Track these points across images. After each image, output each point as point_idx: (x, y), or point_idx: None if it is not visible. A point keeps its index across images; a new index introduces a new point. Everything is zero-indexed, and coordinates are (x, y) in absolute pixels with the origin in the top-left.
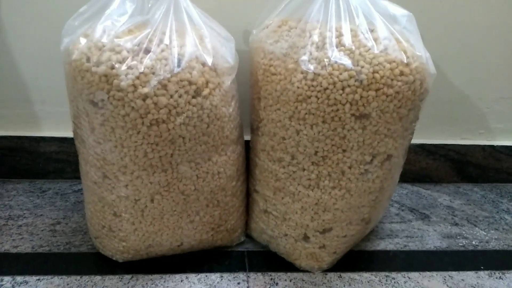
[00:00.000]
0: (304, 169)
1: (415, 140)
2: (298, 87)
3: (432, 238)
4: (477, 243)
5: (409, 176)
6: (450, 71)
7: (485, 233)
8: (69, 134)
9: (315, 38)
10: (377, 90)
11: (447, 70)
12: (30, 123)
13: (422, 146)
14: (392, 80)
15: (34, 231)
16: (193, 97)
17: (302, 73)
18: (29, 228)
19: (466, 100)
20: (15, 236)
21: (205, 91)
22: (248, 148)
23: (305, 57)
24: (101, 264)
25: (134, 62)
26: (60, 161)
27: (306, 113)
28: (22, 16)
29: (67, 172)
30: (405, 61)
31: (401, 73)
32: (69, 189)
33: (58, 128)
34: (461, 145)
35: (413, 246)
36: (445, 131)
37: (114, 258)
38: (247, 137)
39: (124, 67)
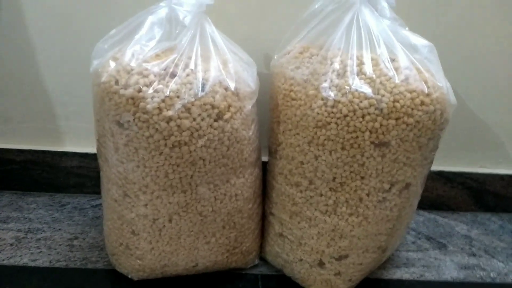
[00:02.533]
0: (321, 195)
1: (433, 167)
2: (318, 113)
3: (449, 269)
4: (495, 275)
5: (426, 203)
6: (469, 98)
7: (504, 265)
8: (90, 150)
9: (336, 65)
10: (397, 119)
11: (466, 97)
12: (53, 137)
13: (440, 173)
14: (412, 109)
15: (52, 245)
16: (215, 120)
17: (322, 99)
18: (47, 242)
19: (485, 128)
20: (34, 249)
21: (227, 115)
22: (265, 170)
23: (325, 84)
24: (116, 281)
25: (160, 86)
26: (80, 176)
27: (325, 139)
28: (51, 34)
29: (87, 186)
30: (426, 91)
31: (422, 103)
32: (87, 204)
33: (80, 143)
34: (480, 173)
35: (430, 276)
36: (464, 158)
37: (129, 276)
38: (264, 158)
39: (150, 90)
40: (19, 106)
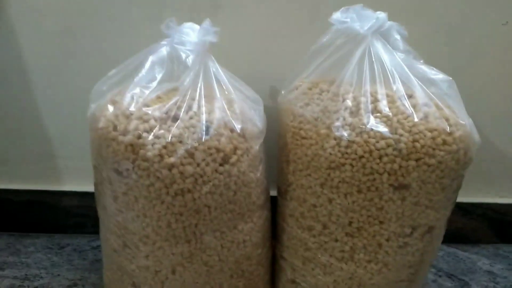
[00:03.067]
0: (337, 240)
1: None
2: (330, 154)
3: None
4: None
5: (445, 236)
6: (486, 129)
7: None
8: (90, 188)
9: (349, 102)
10: (417, 160)
11: (483, 128)
12: (53, 177)
13: (458, 205)
14: (434, 149)
15: None
16: (221, 164)
17: (335, 139)
18: None
19: (503, 158)
20: None
21: (233, 158)
22: (273, 208)
23: (338, 123)
24: None
25: (162, 131)
26: (80, 215)
27: (339, 181)
28: (50, 74)
29: (87, 226)
30: (448, 130)
31: (444, 143)
32: (87, 245)
33: (80, 183)
34: (499, 204)
35: None
36: (482, 189)
37: None
38: (272, 193)
39: (151, 136)
40: (17, 146)
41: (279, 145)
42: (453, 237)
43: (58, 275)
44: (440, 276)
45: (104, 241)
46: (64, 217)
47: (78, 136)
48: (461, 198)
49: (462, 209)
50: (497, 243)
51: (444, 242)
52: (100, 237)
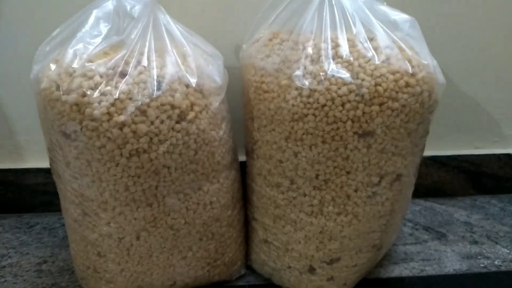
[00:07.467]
0: (305, 195)
1: (426, 152)
2: (293, 105)
3: (450, 260)
4: (500, 263)
5: (421, 190)
6: (458, 77)
7: (508, 251)
8: None
9: (309, 50)
10: (380, 104)
11: (454, 76)
12: (14, 154)
13: (433, 158)
14: (397, 92)
15: (18, 273)
16: (177, 122)
17: (296, 89)
18: (13, 269)
19: (477, 107)
20: None
21: (190, 115)
22: (244, 173)
23: (299, 72)
24: None
25: (108, 88)
26: (47, 193)
27: (303, 133)
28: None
29: (55, 204)
30: (410, 71)
31: (407, 85)
32: (57, 222)
33: (44, 158)
34: (475, 155)
35: (431, 270)
36: (457, 141)
37: None
38: (242, 159)
39: (96, 93)
40: None
41: (243, 103)
42: (429, 191)
43: (27, 253)
44: (417, 229)
45: (64, 212)
46: (30, 195)
47: (35, 109)
48: (436, 151)
49: (438, 162)
50: (474, 195)
51: (420, 196)
52: (61, 208)
